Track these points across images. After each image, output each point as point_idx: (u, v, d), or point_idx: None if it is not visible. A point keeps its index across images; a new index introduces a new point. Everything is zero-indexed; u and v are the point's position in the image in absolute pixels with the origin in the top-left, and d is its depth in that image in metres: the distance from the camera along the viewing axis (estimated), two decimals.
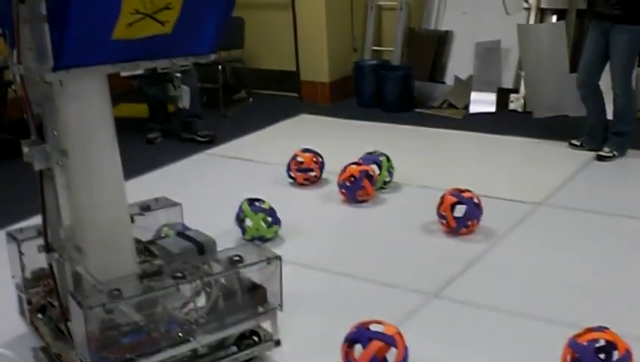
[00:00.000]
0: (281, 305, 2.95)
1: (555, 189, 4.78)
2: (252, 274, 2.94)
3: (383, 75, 6.87)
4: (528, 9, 6.68)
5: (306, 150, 5.07)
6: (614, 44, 5.13)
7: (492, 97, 6.57)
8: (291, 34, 7.34)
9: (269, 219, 4.16)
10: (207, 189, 5.08)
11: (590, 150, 5.41)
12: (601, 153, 5.32)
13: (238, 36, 7.15)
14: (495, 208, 4.36)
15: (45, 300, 3.25)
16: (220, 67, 6.89)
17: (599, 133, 5.42)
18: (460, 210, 4.10)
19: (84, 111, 2.75)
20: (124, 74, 2.78)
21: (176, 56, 2.81)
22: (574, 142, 5.53)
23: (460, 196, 4.10)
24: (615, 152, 5.35)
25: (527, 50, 6.35)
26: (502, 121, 6.20)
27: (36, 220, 3.74)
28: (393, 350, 2.79)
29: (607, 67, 5.26)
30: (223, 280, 2.88)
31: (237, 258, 2.90)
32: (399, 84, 6.82)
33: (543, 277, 3.69)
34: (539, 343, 3.11)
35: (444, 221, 4.12)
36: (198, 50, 2.86)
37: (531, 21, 6.64)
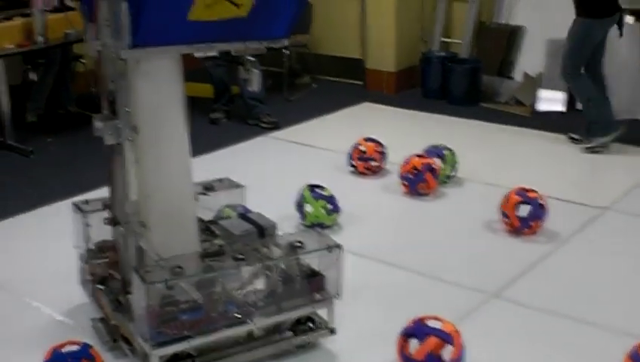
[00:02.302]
0: (339, 294, 2.95)
1: (622, 194, 4.66)
2: (312, 260, 2.95)
3: (450, 67, 6.79)
4: None
5: (368, 139, 5.04)
6: None
7: (561, 96, 6.42)
8: (359, 21, 7.30)
9: (329, 206, 4.16)
10: (268, 172, 5.10)
11: None
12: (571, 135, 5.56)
13: (305, 21, 7.13)
14: (559, 210, 4.27)
15: (107, 272, 3.31)
16: (285, 51, 6.89)
17: None
18: (525, 210, 4.03)
19: (156, 90, 2.78)
20: (197, 54, 2.79)
21: (250, 39, 2.82)
22: None
23: (525, 195, 4.03)
24: (592, 143, 5.42)
25: None
26: (570, 121, 6.07)
27: (101, 192, 3.82)
28: (449, 347, 2.76)
29: None
30: (282, 265, 2.89)
31: (298, 243, 2.91)
32: (466, 77, 6.73)
33: (606, 284, 3.61)
34: (599, 351, 3.05)
35: (508, 220, 4.06)
36: (272, 34, 2.86)
37: None
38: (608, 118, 5.44)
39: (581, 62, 5.43)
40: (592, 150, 5.42)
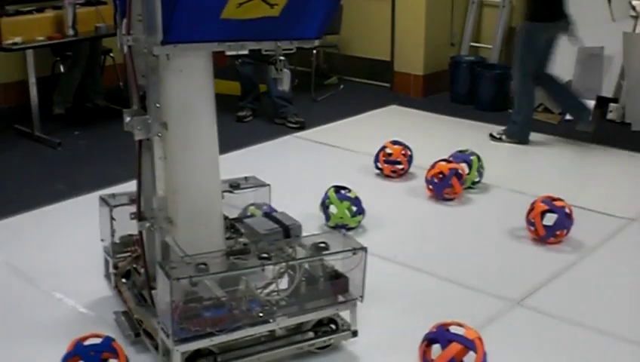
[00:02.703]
0: (362, 297, 2.95)
1: None
2: (336, 262, 2.94)
3: (479, 72, 6.74)
4: (636, 17, 6.45)
5: (395, 142, 5.03)
6: None
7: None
8: (388, 23, 7.27)
9: (354, 208, 4.15)
10: (293, 172, 5.10)
11: None
12: (492, 133, 5.84)
13: (335, 22, 7.11)
14: (585, 220, 4.23)
15: (131, 266, 3.33)
16: (314, 51, 6.88)
17: None
18: (550, 219, 4.00)
19: (187, 86, 2.79)
20: (229, 52, 2.80)
21: (281, 39, 2.82)
22: None
23: (551, 204, 4.00)
24: (503, 136, 5.76)
25: (631, 60, 6.16)
26: (598, 130, 6.01)
27: (127, 186, 3.86)
28: (472, 354, 2.75)
29: None
30: (307, 266, 2.89)
31: (322, 245, 2.91)
32: (495, 82, 6.69)
33: (630, 296, 3.58)
34: None
35: (533, 228, 4.02)
36: (304, 34, 2.87)
37: (638, 30, 6.41)
38: (525, 128, 5.77)
39: (530, 66, 5.67)
40: (496, 139, 5.79)
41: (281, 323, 2.84)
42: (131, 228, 3.23)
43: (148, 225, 2.97)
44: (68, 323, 3.28)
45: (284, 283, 2.91)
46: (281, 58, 2.88)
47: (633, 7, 6.44)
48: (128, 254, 3.37)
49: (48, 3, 6.22)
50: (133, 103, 2.98)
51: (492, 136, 5.82)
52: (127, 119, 2.86)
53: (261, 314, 2.79)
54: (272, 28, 2.76)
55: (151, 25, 2.66)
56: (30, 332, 3.23)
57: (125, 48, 2.88)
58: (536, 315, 3.39)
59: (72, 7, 5.80)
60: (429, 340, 2.82)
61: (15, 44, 5.53)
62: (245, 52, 2.82)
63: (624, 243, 4.14)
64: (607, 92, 6.46)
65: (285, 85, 2.98)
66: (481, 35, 7.41)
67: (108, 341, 2.80)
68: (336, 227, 4.06)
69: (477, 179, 4.79)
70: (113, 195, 3.44)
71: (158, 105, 2.79)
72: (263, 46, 2.82)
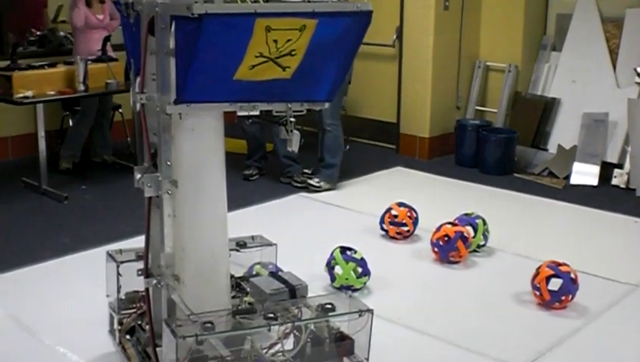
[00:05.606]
0: (367, 359, 2.93)
1: None
2: (342, 324, 2.93)
3: (485, 136, 6.80)
4: None
5: (401, 204, 5.04)
6: None
7: (595, 170, 6.40)
8: (395, 86, 7.36)
9: (360, 269, 4.15)
10: (298, 231, 5.11)
11: None
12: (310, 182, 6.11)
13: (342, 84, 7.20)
14: (590, 285, 4.22)
15: (136, 323, 3.32)
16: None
17: None
18: (556, 284, 3.99)
19: (198, 145, 2.83)
20: (240, 113, 2.84)
21: (292, 101, 2.87)
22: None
23: (556, 269, 4.00)
24: (323, 183, 6.08)
25: (636, 125, 6.22)
26: (603, 196, 6.04)
27: (132, 242, 3.88)
28: None
29: None
30: (312, 327, 2.88)
31: (329, 306, 2.90)
32: (500, 146, 6.73)
33: None
34: None
35: (538, 293, 4.02)
36: (315, 97, 2.91)
37: None
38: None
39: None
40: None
41: None
42: (137, 284, 3.23)
43: (155, 282, 2.98)
44: None
45: (289, 343, 2.89)
46: (292, 119, 2.92)
47: (638, 74, 6.53)
48: (133, 311, 3.36)
49: (60, 58, 6.34)
50: (145, 161, 3.01)
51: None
52: (138, 176, 2.90)
53: None
54: (284, 90, 2.81)
55: (165, 84, 2.72)
56: None
57: (138, 106, 2.93)
58: None
59: (83, 63, 5.91)
60: None
61: (26, 97, 5.61)
62: (256, 113, 2.86)
63: (629, 309, 4.13)
64: (612, 157, 6.51)
65: (294, 146, 3.01)
66: (486, 99, 7.49)
67: None
68: (341, 288, 4.06)
69: (482, 243, 4.79)
70: (120, 251, 3.45)
71: (169, 163, 2.83)
72: (274, 107, 2.86)
